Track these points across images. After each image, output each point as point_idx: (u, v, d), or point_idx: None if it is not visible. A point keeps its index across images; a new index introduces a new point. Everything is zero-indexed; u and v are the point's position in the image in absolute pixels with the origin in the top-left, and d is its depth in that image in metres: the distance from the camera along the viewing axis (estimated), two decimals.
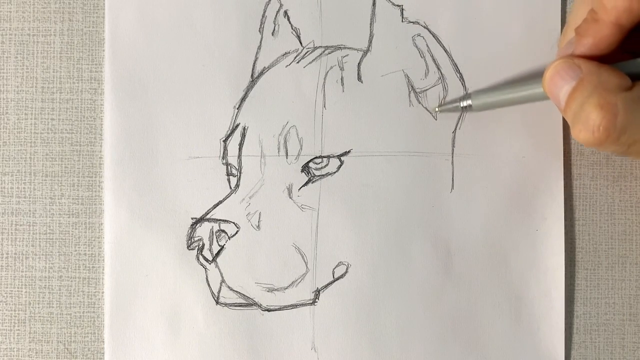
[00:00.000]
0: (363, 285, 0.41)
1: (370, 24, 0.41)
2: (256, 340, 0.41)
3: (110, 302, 0.41)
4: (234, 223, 0.41)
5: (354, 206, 0.41)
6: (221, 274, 0.41)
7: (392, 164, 0.41)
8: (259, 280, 0.41)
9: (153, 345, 0.41)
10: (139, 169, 0.41)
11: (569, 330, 0.41)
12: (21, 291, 0.41)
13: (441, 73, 0.41)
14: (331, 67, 0.41)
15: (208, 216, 0.41)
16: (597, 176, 0.42)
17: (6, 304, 0.41)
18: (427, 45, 0.41)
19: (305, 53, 0.41)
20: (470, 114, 0.41)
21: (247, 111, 0.41)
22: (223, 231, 0.41)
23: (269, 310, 0.41)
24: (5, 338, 0.41)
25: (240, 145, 0.41)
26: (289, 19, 0.42)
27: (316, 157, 0.41)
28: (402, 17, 0.42)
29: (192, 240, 0.41)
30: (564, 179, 0.41)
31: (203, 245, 0.41)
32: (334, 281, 0.41)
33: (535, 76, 0.39)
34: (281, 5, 0.42)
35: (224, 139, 0.41)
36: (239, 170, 0.41)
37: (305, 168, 0.41)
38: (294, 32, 0.42)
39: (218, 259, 0.41)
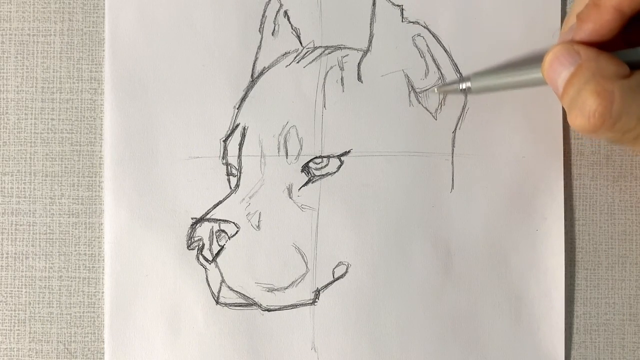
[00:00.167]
0: (363, 285, 0.41)
1: (370, 24, 0.41)
2: (256, 340, 0.41)
3: (110, 302, 0.41)
4: (234, 223, 0.41)
5: (354, 206, 0.41)
6: (221, 274, 0.41)
7: (392, 164, 0.41)
8: (259, 280, 0.41)
9: (153, 345, 0.41)
10: (139, 169, 0.41)
11: (569, 330, 0.41)
12: (21, 291, 0.41)
13: (441, 73, 0.41)
14: (331, 67, 0.41)
15: (208, 216, 0.41)
16: (597, 176, 0.42)
17: (6, 304, 0.41)
18: (427, 45, 0.41)
19: (305, 53, 0.41)
20: (471, 112, 0.41)
21: (247, 111, 0.41)
22: (223, 231, 0.41)
23: (269, 310, 0.41)
24: (5, 338, 0.41)
25: (240, 145, 0.41)
26: (289, 19, 0.42)
27: (316, 157, 0.41)
28: (402, 17, 0.42)
29: (192, 240, 0.41)
30: (564, 179, 0.41)
31: (203, 245, 0.41)
32: (334, 281, 0.41)
33: (536, 60, 0.39)
34: (281, 5, 0.42)
35: (224, 139, 0.41)
36: (239, 170, 0.41)
37: (305, 168, 0.41)
38: (294, 32, 0.42)
39: (218, 259, 0.41)
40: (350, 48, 0.41)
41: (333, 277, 0.41)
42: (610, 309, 0.42)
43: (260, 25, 0.42)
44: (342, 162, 0.41)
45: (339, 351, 0.41)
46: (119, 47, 0.41)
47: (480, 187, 0.41)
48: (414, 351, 0.41)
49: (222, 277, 0.41)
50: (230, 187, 0.41)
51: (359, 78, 0.41)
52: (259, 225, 0.41)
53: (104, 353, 0.41)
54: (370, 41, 0.41)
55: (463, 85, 0.40)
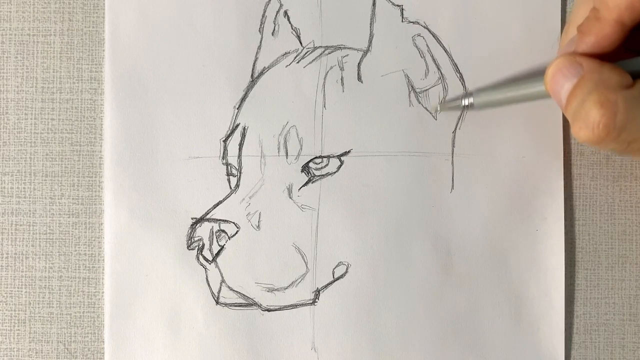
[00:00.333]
0: (363, 285, 0.41)
1: (370, 24, 0.41)
2: (256, 340, 0.41)
3: (110, 302, 0.41)
4: (234, 223, 0.41)
5: (354, 206, 0.41)
6: (221, 274, 0.41)
7: (392, 164, 0.41)
8: (259, 280, 0.41)
9: (153, 345, 0.41)
10: (139, 169, 0.41)
11: (569, 330, 0.41)
12: (21, 291, 0.41)
13: (441, 73, 0.41)
14: (331, 67, 0.41)
15: (208, 216, 0.41)
16: (597, 176, 0.42)
17: (6, 304, 0.41)
18: (427, 45, 0.41)
19: (305, 53, 0.41)
20: (471, 112, 0.41)
21: (247, 111, 0.41)
22: (223, 231, 0.41)
23: (269, 310, 0.41)
24: (5, 338, 0.41)
25: (240, 145, 0.41)
26: (289, 19, 0.42)
27: (316, 157, 0.41)
28: (402, 17, 0.42)
29: (192, 240, 0.41)
30: (564, 179, 0.41)
31: (203, 245, 0.41)
32: (334, 281, 0.41)
33: (537, 74, 0.39)
34: (281, 5, 0.42)
35: (224, 139, 0.41)
36: (239, 170, 0.41)
37: (305, 168, 0.41)
38: (294, 32, 0.42)
39: (218, 259, 0.41)
40: (350, 48, 0.41)
41: (333, 277, 0.41)
42: (610, 309, 0.42)
43: (260, 25, 0.42)
44: (342, 162, 0.41)
45: (339, 351, 0.41)
46: (119, 47, 0.41)
47: (480, 187, 0.41)
48: (414, 351, 0.41)
49: (222, 277, 0.41)
50: (230, 187, 0.41)
51: (359, 78, 0.41)
52: (259, 225, 0.41)
53: (104, 353, 0.41)
54: (370, 41, 0.41)
55: (466, 102, 0.40)
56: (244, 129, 0.41)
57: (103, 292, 0.41)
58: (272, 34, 0.42)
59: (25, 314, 0.41)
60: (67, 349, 0.41)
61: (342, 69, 0.41)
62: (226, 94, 0.41)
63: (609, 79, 0.33)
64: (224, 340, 0.41)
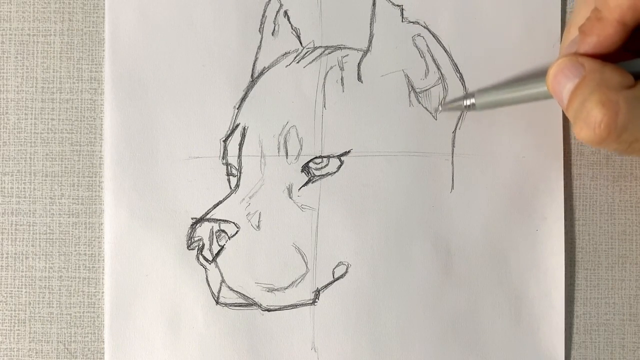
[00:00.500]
0: (363, 285, 0.41)
1: (370, 24, 0.41)
2: (256, 340, 0.41)
3: (110, 302, 0.41)
4: (234, 223, 0.41)
5: (354, 206, 0.41)
6: (221, 274, 0.41)
7: (392, 164, 0.41)
8: (259, 280, 0.41)
9: (153, 345, 0.41)
10: (139, 169, 0.41)
11: (569, 330, 0.41)
12: (21, 291, 0.41)
13: (441, 73, 0.41)
14: (331, 67, 0.41)
15: (208, 216, 0.41)
16: (597, 176, 0.42)
17: (6, 304, 0.41)
18: (427, 45, 0.41)
19: (305, 53, 0.41)
20: (471, 113, 0.41)
21: (247, 111, 0.41)
22: (223, 231, 0.41)
23: (269, 310, 0.41)
24: (5, 338, 0.41)
25: (240, 145, 0.41)
26: (289, 19, 0.42)
27: (316, 157, 0.41)
28: (402, 17, 0.42)
29: (192, 240, 0.41)
30: (564, 179, 0.41)
31: (203, 245, 0.41)
32: (334, 281, 0.41)
33: (538, 75, 0.39)
34: (281, 5, 0.42)
35: (224, 139, 0.41)
36: (239, 170, 0.41)
37: (305, 168, 0.41)
38: (294, 32, 0.42)
39: (218, 259, 0.41)
40: (350, 48, 0.41)
41: (333, 277, 0.41)
42: (610, 309, 0.42)
43: (260, 25, 0.42)
44: (342, 162, 0.41)
45: (339, 351, 0.41)
46: (119, 47, 0.41)
47: (480, 187, 0.41)
48: (414, 351, 0.41)
49: (222, 277, 0.41)
50: (230, 187, 0.41)
51: (359, 78, 0.41)
52: (259, 225, 0.41)
53: (104, 353, 0.41)
54: (370, 41, 0.41)
55: (467, 102, 0.40)
56: (244, 129, 0.41)
57: (103, 292, 0.41)
58: (272, 34, 0.42)
59: (25, 314, 0.41)
60: (67, 349, 0.41)
61: (342, 69, 0.41)
62: (226, 94, 0.41)
63: (610, 79, 0.33)
64: (224, 340, 0.41)
